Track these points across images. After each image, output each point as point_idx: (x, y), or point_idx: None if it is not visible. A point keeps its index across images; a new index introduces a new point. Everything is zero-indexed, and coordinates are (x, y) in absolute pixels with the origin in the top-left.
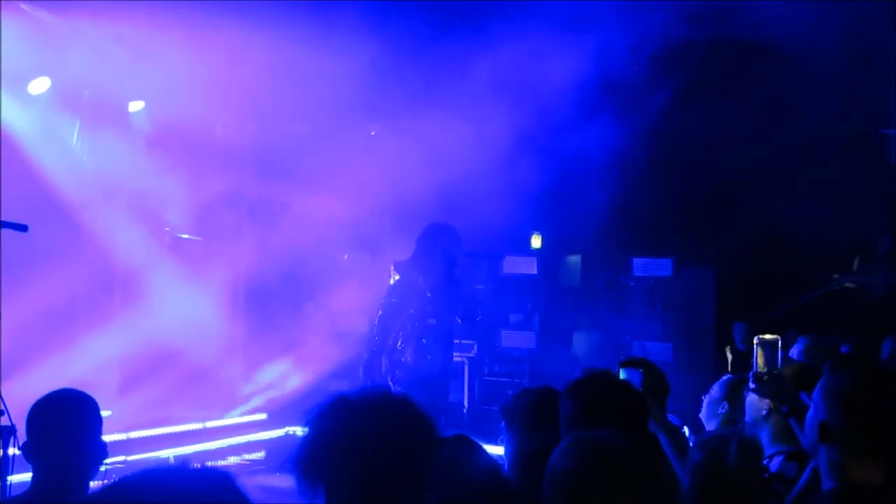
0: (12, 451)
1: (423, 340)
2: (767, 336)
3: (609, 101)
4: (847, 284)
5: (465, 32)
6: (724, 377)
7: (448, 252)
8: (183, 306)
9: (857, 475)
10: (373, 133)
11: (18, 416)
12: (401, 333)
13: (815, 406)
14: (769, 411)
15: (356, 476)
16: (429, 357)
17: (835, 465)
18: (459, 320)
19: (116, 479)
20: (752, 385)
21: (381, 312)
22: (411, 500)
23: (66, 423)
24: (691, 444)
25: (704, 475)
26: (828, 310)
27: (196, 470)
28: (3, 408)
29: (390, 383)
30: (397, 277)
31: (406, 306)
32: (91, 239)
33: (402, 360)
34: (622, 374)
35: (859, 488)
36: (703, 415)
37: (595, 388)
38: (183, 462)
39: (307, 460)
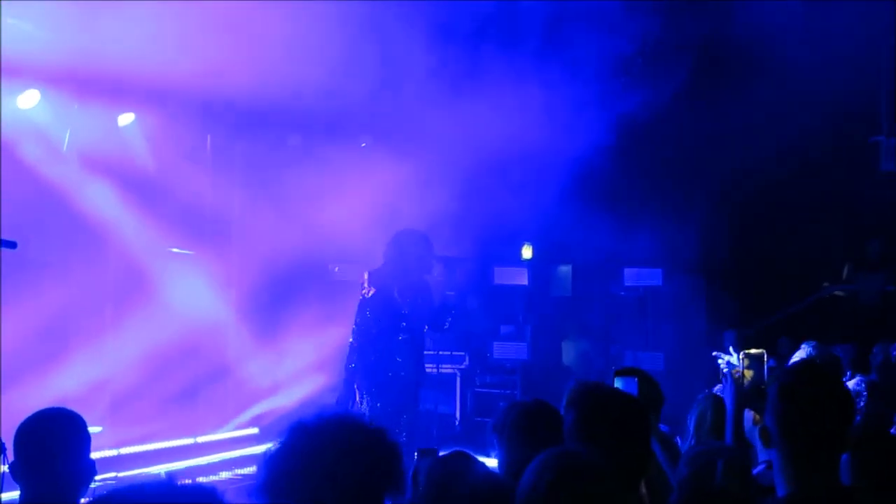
0: (1, 468)
1: (398, 359)
2: (753, 350)
3: (599, 111)
4: (837, 292)
5: (461, 42)
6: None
7: (419, 259)
8: (173, 322)
9: (804, 480)
10: (363, 145)
11: (8, 433)
12: (375, 348)
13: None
14: (753, 421)
15: (322, 495)
16: (402, 374)
17: (781, 470)
18: (426, 328)
19: (103, 493)
20: None
21: (355, 328)
22: None
23: (52, 442)
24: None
25: (691, 490)
26: (819, 318)
27: (182, 486)
28: None
29: (358, 397)
30: (373, 291)
31: (381, 319)
32: (81, 254)
33: (377, 377)
34: (618, 383)
35: (809, 493)
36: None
37: (596, 399)
38: (169, 477)
39: (273, 485)
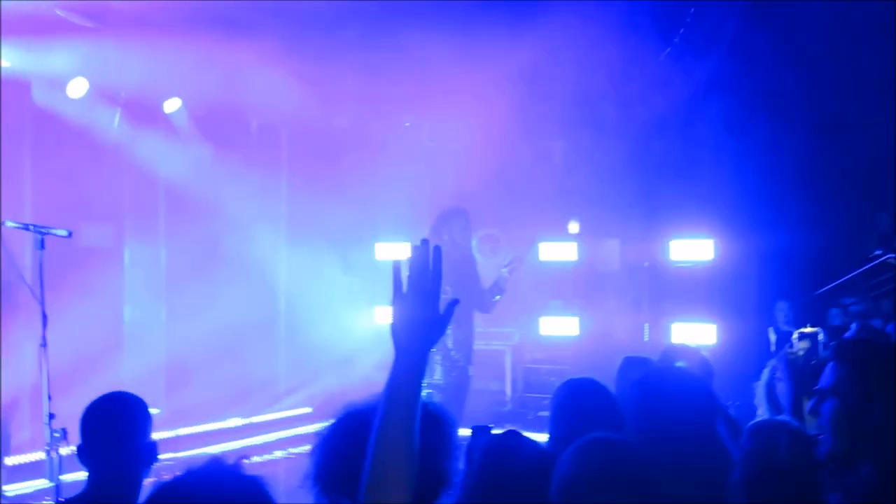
0: (66, 450)
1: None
2: (808, 329)
3: (644, 83)
4: (891, 260)
5: (502, 16)
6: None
7: (456, 235)
8: (227, 303)
9: None
10: (407, 125)
11: (66, 418)
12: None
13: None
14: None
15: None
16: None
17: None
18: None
19: (155, 487)
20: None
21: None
22: (434, 484)
23: (116, 425)
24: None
25: (755, 464)
26: (871, 287)
27: (229, 474)
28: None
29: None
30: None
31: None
32: (136, 237)
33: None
34: (671, 360)
35: None
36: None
37: (660, 379)
38: (218, 462)
39: (324, 471)
